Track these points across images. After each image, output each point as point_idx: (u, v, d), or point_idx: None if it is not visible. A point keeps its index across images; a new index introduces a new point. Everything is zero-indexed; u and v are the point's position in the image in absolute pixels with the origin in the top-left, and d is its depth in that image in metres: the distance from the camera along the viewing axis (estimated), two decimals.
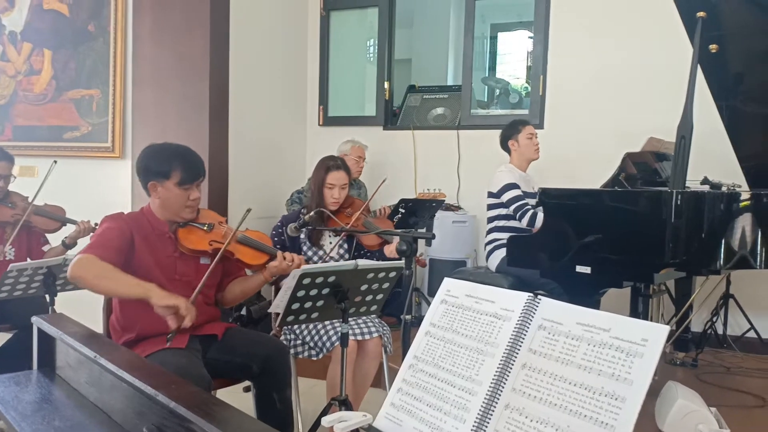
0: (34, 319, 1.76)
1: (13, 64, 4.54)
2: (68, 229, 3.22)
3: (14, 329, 3.04)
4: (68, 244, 3.18)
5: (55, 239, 3.27)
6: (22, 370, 1.82)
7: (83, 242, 2.56)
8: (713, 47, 2.94)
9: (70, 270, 1.99)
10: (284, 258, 2.25)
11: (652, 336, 0.88)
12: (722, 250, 2.69)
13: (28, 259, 3.08)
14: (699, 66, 2.89)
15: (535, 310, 1.00)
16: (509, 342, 0.99)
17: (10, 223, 3.04)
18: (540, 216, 3.38)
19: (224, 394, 2.36)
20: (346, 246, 2.87)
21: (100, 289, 2.02)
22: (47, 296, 2.81)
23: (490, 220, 3.65)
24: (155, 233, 2.20)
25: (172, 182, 2.16)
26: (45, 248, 3.23)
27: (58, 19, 4.39)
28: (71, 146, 4.35)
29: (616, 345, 0.90)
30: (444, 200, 4.24)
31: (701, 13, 2.82)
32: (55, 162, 3.20)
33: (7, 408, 1.50)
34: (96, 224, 3.01)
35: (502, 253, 3.45)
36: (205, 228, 2.26)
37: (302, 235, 2.78)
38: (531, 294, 1.02)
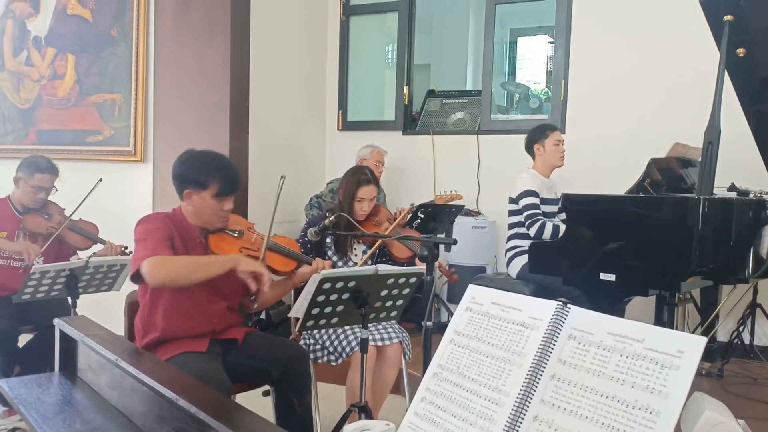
0: (56, 321, 1.76)
1: (37, 69, 4.61)
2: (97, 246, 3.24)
3: (36, 330, 3.07)
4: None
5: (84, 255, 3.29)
6: (44, 371, 1.83)
7: None
8: (741, 51, 2.88)
9: (154, 277, 1.99)
10: (317, 264, 2.28)
11: (689, 348, 0.85)
12: (750, 258, 2.63)
13: None
14: (726, 70, 2.83)
15: (565, 319, 0.97)
16: (537, 352, 0.97)
17: (43, 235, 3.07)
18: (548, 228, 3.34)
19: (244, 398, 2.35)
20: (371, 254, 2.84)
21: (195, 278, 2.07)
22: (69, 298, 2.82)
23: (511, 226, 3.61)
24: (187, 237, 2.21)
25: (209, 193, 2.15)
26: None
27: (81, 24, 4.44)
28: (94, 150, 4.40)
29: (650, 356, 0.87)
30: (463, 205, 4.21)
31: (728, 17, 2.77)
32: (101, 180, 3.21)
33: (29, 410, 1.50)
34: (125, 248, 3.06)
35: (522, 259, 3.41)
36: (236, 235, 2.27)
37: (328, 240, 2.77)
38: (560, 302, 0.99)
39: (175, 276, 2.01)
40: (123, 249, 3.15)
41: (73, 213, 3.14)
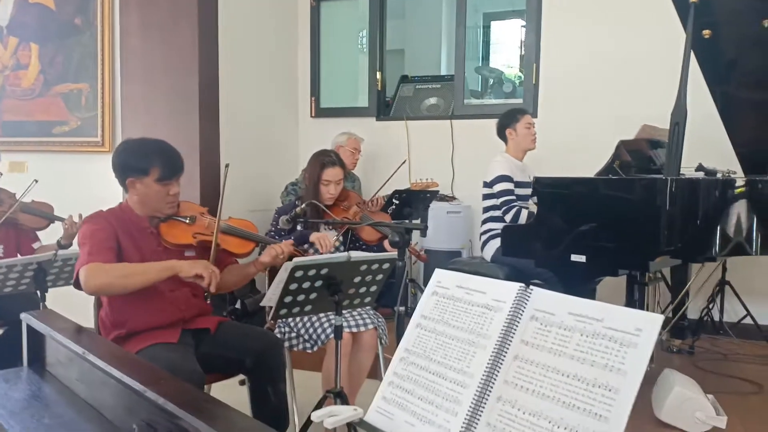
0: (23, 315, 1.74)
1: (0, 59, 4.49)
2: (57, 227, 3.18)
3: (4, 326, 3.02)
4: (64, 245, 3.13)
5: (46, 237, 3.23)
6: (13, 367, 1.80)
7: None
8: (706, 33, 2.92)
9: (88, 285, 1.96)
10: (274, 250, 2.25)
11: (646, 326, 0.86)
12: (718, 236, 2.68)
13: (18, 256, 3.05)
14: (692, 52, 2.87)
15: (527, 300, 0.98)
16: (501, 333, 0.98)
17: None
18: (524, 214, 3.37)
19: (220, 387, 2.35)
20: (341, 239, 2.84)
21: (131, 287, 2.01)
22: (38, 292, 2.78)
23: (485, 210, 3.64)
24: (137, 229, 2.17)
25: (152, 178, 2.12)
26: (35, 245, 3.20)
27: (43, 12, 4.33)
28: (60, 141, 4.31)
29: (609, 335, 0.88)
30: (438, 190, 4.22)
31: None
32: (36, 181, 3.12)
33: None
34: (81, 215, 2.98)
35: (497, 243, 3.43)
36: (188, 221, 2.24)
37: (299, 228, 2.76)
38: (522, 285, 1.00)
39: (109, 284, 1.97)
40: (80, 218, 3.08)
41: (23, 195, 3.07)
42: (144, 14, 3.98)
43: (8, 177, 3.22)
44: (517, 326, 0.97)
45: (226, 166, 2.26)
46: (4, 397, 1.54)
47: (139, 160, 2.13)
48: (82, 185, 4.06)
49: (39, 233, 3.24)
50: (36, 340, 1.73)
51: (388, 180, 3.48)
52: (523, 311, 0.98)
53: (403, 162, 3.43)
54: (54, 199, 3.31)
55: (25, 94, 4.42)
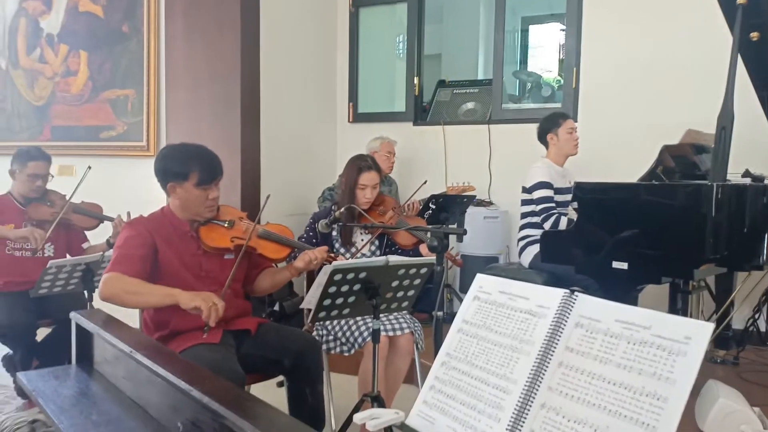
0: (72, 314, 1.79)
1: (51, 66, 4.66)
2: (106, 226, 3.28)
3: (54, 324, 3.12)
4: (113, 244, 3.23)
5: (95, 237, 3.33)
6: (61, 364, 1.86)
7: None
8: (754, 35, 2.84)
9: (101, 292, 2.04)
10: (308, 256, 2.29)
11: (696, 334, 0.85)
12: (765, 244, 2.60)
13: (68, 256, 3.15)
14: (739, 55, 2.80)
15: (572, 307, 0.98)
16: (545, 340, 0.97)
17: (49, 221, 3.11)
18: (563, 222, 3.32)
19: (259, 388, 2.38)
20: (377, 243, 2.86)
21: (133, 305, 2.07)
22: (86, 292, 2.86)
23: (524, 215, 3.60)
24: (177, 233, 2.22)
25: (191, 183, 2.17)
26: (84, 245, 3.30)
27: (93, 20, 4.48)
28: (107, 145, 4.44)
29: (657, 343, 0.87)
30: (475, 195, 4.20)
31: (741, 0, 2.73)
32: (90, 168, 3.25)
33: (47, 401, 1.53)
34: (129, 214, 3.07)
35: (535, 249, 3.40)
36: (226, 225, 2.28)
37: (334, 232, 2.78)
38: (567, 291, 0.99)
39: (117, 296, 2.01)
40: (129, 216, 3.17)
41: (71, 196, 3.18)
42: (188, 21, 4.07)
43: (58, 180, 3.33)
44: (561, 333, 0.96)
45: (267, 197, 2.31)
46: (54, 393, 1.59)
47: (179, 165, 2.18)
48: (128, 188, 4.18)
49: (87, 233, 3.34)
50: (84, 338, 1.78)
51: (410, 197, 3.59)
52: (567, 318, 0.97)
53: (424, 182, 3.53)
54: (101, 202, 3.42)
55: (74, 100, 4.57)
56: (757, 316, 3.78)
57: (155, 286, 2.05)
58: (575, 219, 3.20)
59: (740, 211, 2.55)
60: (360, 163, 2.81)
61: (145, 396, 1.48)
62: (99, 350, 1.74)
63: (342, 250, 2.79)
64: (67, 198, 3.20)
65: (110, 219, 3.26)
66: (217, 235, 2.25)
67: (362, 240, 2.83)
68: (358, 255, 2.78)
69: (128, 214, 2.95)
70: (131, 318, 2.06)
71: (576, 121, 4.39)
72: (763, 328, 3.81)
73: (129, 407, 1.50)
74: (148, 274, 2.11)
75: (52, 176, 3.23)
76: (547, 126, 3.59)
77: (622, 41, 4.33)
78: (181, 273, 2.17)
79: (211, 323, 1.95)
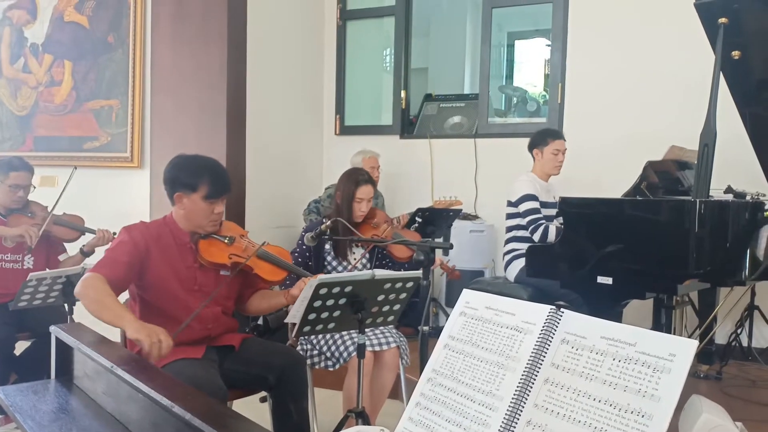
0: (52, 328, 1.76)
1: (35, 76, 4.62)
2: (86, 237, 3.24)
3: (33, 338, 3.07)
4: (86, 252, 3.20)
5: (73, 248, 3.29)
6: (41, 378, 1.83)
7: (101, 250, 2.56)
8: (736, 54, 2.89)
9: (77, 286, 2.00)
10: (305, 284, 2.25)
11: (680, 351, 0.85)
12: (747, 260, 2.63)
13: (47, 269, 3.10)
14: (721, 73, 2.84)
15: (558, 323, 0.97)
16: (531, 356, 0.97)
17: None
18: (552, 231, 3.34)
19: (241, 404, 2.34)
20: (368, 256, 2.85)
21: (91, 312, 1.98)
22: (66, 305, 2.82)
23: (509, 229, 3.61)
24: (176, 243, 2.20)
25: (199, 195, 2.16)
26: (61, 257, 3.25)
27: (78, 30, 4.45)
28: (91, 156, 4.41)
29: (642, 360, 0.87)
30: (461, 209, 4.21)
31: (723, 20, 2.78)
32: (75, 168, 3.23)
33: (25, 417, 1.50)
34: (115, 233, 3.04)
35: (520, 263, 3.40)
36: (226, 241, 2.26)
37: (327, 246, 2.77)
38: (553, 306, 0.99)
39: (85, 297, 1.97)
40: (114, 235, 3.14)
41: (54, 207, 3.15)
42: (175, 32, 4.06)
43: (40, 191, 3.29)
44: (547, 349, 0.96)
45: (263, 243, 2.29)
46: (33, 409, 1.56)
47: (190, 176, 2.16)
48: (111, 200, 4.14)
49: (67, 245, 3.30)
50: (64, 353, 1.75)
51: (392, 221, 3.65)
52: (553, 334, 0.96)
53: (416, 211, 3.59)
54: (83, 213, 3.38)
55: (58, 110, 4.53)
56: (739, 331, 3.81)
57: (118, 305, 1.97)
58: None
59: (723, 227, 2.58)
60: (358, 177, 2.81)
61: (126, 412, 1.46)
62: (79, 365, 1.71)
63: (334, 263, 2.78)
64: (49, 209, 3.16)
65: (92, 231, 3.22)
66: (216, 251, 2.23)
67: (355, 254, 2.82)
68: (352, 270, 2.77)
69: (113, 233, 2.92)
70: (112, 332, 2.02)
71: None
72: (745, 343, 3.84)
73: (109, 424, 1.47)
74: (130, 283, 2.09)
75: (34, 187, 3.19)
76: (536, 141, 3.62)
77: (607, 57, 4.39)
78: (170, 285, 2.15)
79: (151, 360, 1.81)
